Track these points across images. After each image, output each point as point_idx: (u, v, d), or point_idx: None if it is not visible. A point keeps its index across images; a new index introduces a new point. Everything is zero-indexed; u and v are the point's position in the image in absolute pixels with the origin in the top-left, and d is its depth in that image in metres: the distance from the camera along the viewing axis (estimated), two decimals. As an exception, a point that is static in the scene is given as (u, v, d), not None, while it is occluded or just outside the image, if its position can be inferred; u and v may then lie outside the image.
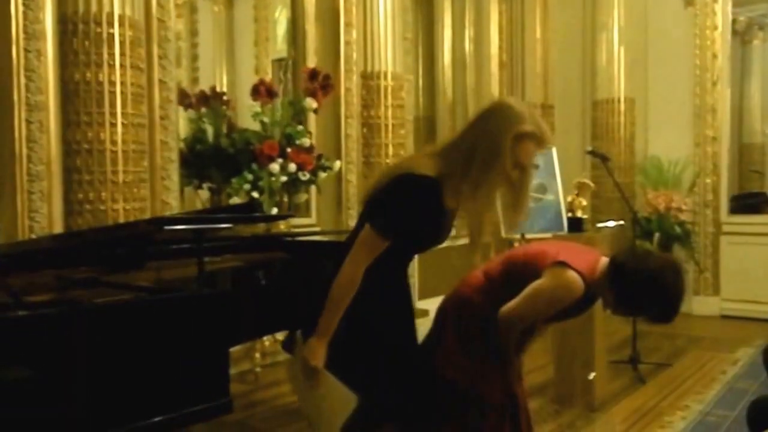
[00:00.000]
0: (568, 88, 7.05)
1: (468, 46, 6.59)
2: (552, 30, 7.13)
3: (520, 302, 2.04)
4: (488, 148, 1.81)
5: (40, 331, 1.86)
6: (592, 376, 3.68)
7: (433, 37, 6.50)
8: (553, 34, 7.13)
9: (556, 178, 6.49)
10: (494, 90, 6.62)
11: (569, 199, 4.18)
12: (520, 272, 2.09)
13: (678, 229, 6.02)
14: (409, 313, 2.07)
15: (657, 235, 5.89)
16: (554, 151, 6.63)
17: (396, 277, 2.02)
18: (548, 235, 4.31)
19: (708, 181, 6.36)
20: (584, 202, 4.11)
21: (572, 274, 1.98)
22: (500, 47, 6.67)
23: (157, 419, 2.04)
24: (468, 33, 6.58)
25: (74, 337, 1.90)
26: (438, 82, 6.51)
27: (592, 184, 4.41)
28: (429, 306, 2.16)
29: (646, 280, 1.98)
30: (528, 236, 5.00)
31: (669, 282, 1.99)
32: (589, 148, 5.15)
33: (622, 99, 6.50)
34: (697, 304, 6.30)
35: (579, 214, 4.03)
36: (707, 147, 6.36)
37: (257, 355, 4.24)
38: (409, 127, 5.38)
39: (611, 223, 4.43)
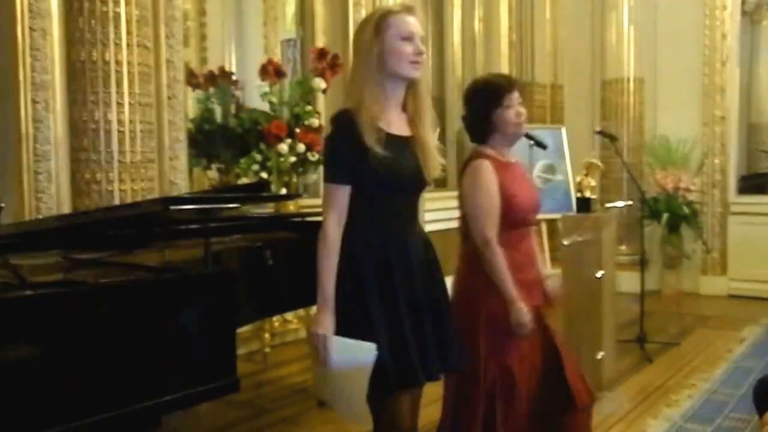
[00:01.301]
0: (578, 67, 6.99)
1: (477, 25, 6.52)
2: (561, 9, 7.06)
3: (471, 220, 2.20)
4: (365, 54, 1.86)
5: (45, 311, 1.86)
6: (600, 355, 3.69)
7: (443, 16, 6.43)
8: (562, 13, 7.06)
9: (565, 159, 6.46)
10: (504, 69, 6.55)
11: (578, 179, 4.16)
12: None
13: (686, 210, 6.00)
14: (407, 263, 1.89)
15: (665, 215, 5.87)
16: (563, 131, 6.60)
17: (381, 227, 1.89)
18: (557, 215, 4.28)
19: (716, 161, 6.32)
20: (593, 183, 4.09)
21: (474, 162, 2.23)
22: (510, 27, 6.59)
23: (165, 399, 2.05)
24: (477, 12, 6.51)
25: (79, 317, 1.91)
26: (447, 62, 6.45)
27: (600, 164, 4.38)
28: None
29: (470, 89, 2.35)
30: (537, 217, 4.98)
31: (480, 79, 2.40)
32: (598, 128, 5.11)
33: (632, 78, 6.46)
34: (705, 284, 6.31)
35: (588, 194, 4.01)
36: (715, 127, 6.32)
37: (266, 335, 4.26)
38: (418, 107, 5.34)
39: (620, 203, 4.41)
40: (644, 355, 4.28)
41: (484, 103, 2.24)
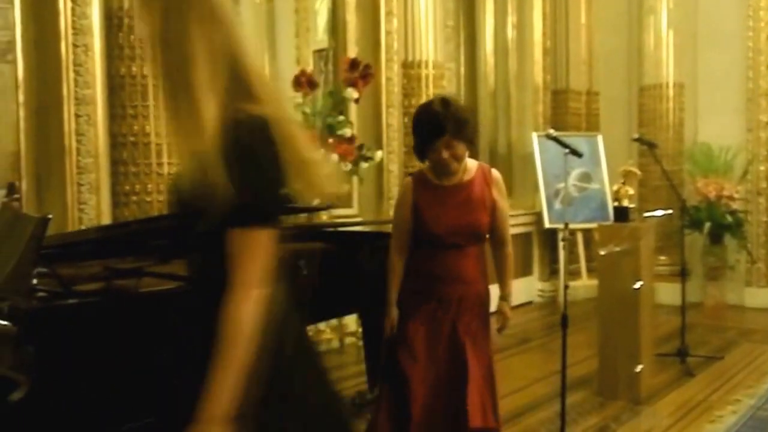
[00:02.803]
0: (614, 73, 6.87)
1: (510, 32, 6.47)
2: (597, 14, 6.96)
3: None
4: None
5: (89, 318, 1.91)
6: (639, 368, 3.61)
7: (475, 23, 6.40)
8: (598, 18, 6.96)
9: (602, 167, 6.36)
10: (537, 77, 6.49)
11: (615, 187, 4.08)
12: None
13: (729, 218, 5.83)
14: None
15: (707, 224, 5.72)
16: (599, 138, 6.49)
17: None
18: (593, 224, 4.21)
19: (762, 168, 6.13)
20: (631, 191, 4.00)
21: (405, 178, 2.47)
22: (544, 33, 6.52)
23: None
24: (510, 19, 6.47)
25: (120, 325, 1.95)
26: (480, 70, 6.42)
27: (638, 172, 4.29)
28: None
29: (415, 114, 2.42)
30: (572, 226, 4.91)
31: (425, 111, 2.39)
32: (636, 136, 5.01)
33: (671, 84, 6.31)
34: (750, 296, 6.10)
35: (625, 203, 3.93)
36: (761, 132, 6.12)
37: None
38: (450, 116, 5.33)
39: (659, 212, 4.31)
40: (685, 370, 4.16)
41: (418, 138, 2.35)
